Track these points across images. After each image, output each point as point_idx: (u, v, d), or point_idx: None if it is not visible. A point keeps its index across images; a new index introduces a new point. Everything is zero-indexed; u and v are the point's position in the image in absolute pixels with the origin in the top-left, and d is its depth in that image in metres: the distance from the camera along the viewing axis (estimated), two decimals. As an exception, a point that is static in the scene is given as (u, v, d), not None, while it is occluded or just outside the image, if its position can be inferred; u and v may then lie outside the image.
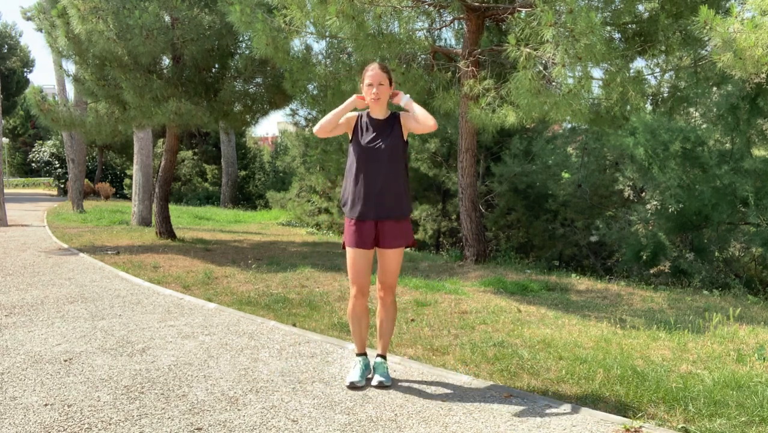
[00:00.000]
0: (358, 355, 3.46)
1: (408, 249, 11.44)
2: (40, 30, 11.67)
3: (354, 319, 3.42)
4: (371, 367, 3.44)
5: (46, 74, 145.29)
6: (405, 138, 3.37)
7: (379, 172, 3.29)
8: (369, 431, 2.75)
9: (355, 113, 3.41)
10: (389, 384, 3.31)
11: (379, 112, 3.38)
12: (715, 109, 9.15)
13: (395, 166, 3.32)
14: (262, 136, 36.19)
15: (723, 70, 5.33)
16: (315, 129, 3.36)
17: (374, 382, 3.32)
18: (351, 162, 3.37)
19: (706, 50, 7.40)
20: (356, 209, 3.30)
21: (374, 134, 3.33)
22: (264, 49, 7.25)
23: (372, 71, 3.31)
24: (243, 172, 26.08)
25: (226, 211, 19.46)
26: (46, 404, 2.97)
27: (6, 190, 26.02)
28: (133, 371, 3.47)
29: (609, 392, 3.27)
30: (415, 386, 3.34)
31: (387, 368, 3.42)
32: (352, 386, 3.28)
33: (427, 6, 7.84)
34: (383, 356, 3.46)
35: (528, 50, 5.87)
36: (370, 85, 3.30)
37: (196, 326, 4.53)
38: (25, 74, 34.92)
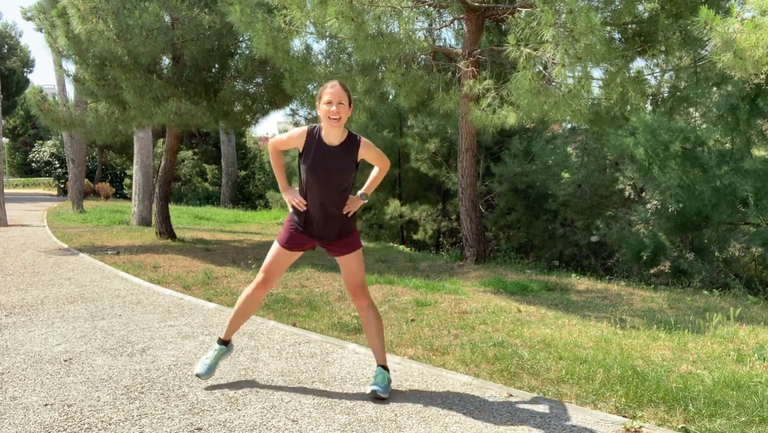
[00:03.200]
0: (221, 343, 3.35)
1: (407, 249, 11.46)
2: (40, 30, 11.68)
3: (245, 308, 3.28)
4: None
5: (46, 74, 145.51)
6: (357, 162, 3.15)
7: (327, 201, 3.12)
8: (369, 431, 2.75)
9: (306, 128, 3.14)
10: (386, 396, 3.09)
11: (334, 137, 3.09)
12: (715, 110, 9.16)
13: (344, 195, 3.16)
14: (262, 136, 36.22)
15: (723, 70, 5.33)
16: (270, 142, 3.23)
17: (368, 390, 3.12)
18: (301, 177, 3.17)
19: (706, 50, 7.40)
20: (300, 224, 3.20)
21: (326, 163, 3.09)
22: (264, 49, 7.26)
23: (332, 88, 3.04)
24: (243, 172, 26.10)
25: (226, 211, 19.46)
26: (46, 404, 2.97)
27: (6, 190, 26.06)
28: (133, 371, 3.47)
29: (609, 392, 3.27)
30: (415, 385, 3.34)
31: (387, 379, 3.18)
32: (198, 377, 3.25)
33: (427, 6, 7.84)
34: (383, 366, 3.24)
35: (528, 50, 5.87)
36: (329, 102, 3.01)
37: (196, 326, 4.53)
38: (25, 74, 34.98)
